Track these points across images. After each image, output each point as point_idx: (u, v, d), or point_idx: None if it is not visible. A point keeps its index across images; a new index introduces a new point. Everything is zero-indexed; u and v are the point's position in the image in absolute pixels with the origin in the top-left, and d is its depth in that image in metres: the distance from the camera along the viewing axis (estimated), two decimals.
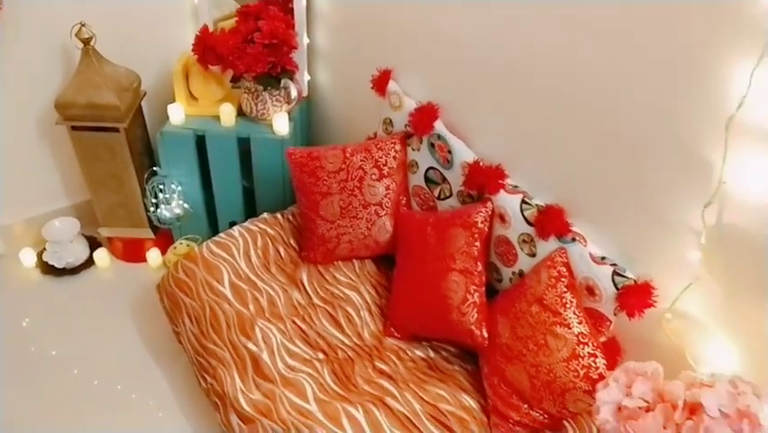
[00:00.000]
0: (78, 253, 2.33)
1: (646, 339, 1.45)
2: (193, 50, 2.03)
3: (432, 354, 1.76)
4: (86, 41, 1.94)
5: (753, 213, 1.14)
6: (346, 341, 1.78)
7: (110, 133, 2.07)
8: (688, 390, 1.17)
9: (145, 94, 2.20)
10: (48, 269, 2.31)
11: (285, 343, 1.72)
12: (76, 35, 1.92)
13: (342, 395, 1.60)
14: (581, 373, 1.37)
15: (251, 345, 1.68)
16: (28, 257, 2.32)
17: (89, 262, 2.37)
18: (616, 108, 1.32)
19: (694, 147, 1.18)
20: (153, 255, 2.37)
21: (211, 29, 2.14)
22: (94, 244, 2.40)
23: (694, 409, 1.15)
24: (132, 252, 2.40)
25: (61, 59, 2.09)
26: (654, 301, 1.36)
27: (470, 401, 1.60)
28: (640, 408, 1.20)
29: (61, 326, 2.14)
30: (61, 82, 2.10)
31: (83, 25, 1.91)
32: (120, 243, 2.39)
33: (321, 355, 1.72)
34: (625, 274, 1.39)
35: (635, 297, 1.37)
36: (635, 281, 1.38)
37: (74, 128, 2.05)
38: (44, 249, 2.32)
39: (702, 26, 1.10)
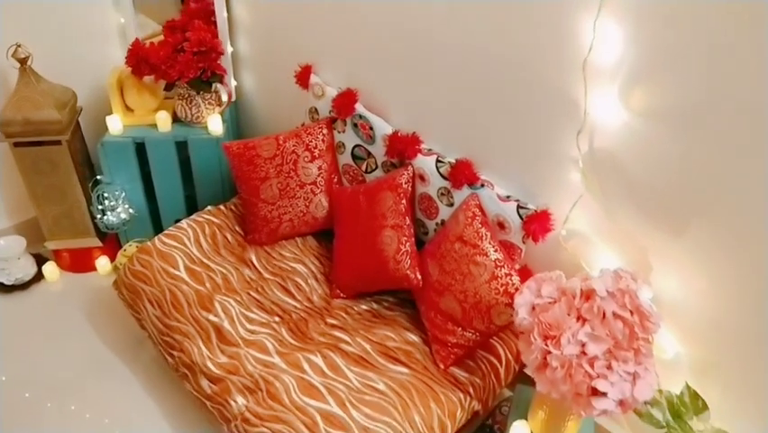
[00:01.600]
0: (27, 268, 2.42)
1: (551, 260, 1.74)
2: (127, 63, 2.19)
3: (375, 306, 2.00)
4: (22, 61, 2.07)
5: (613, 135, 1.46)
6: (298, 305, 1.98)
7: (52, 147, 2.19)
8: (583, 283, 1.47)
9: (81, 109, 2.33)
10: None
11: (243, 312, 1.90)
12: (12, 56, 2.05)
13: (301, 347, 1.81)
14: (501, 290, 1.64)
15: (212, 317, 1.86)
16: None
17: (38, 276, 2.45)
18: (497, 69, 1.62)
19: (562, 88, 1.49)
20: (102, 262, 2.48)
21: None
22: (40, 260, 2.49)
23: (589, 295, 1.44)
24: (79, 262, 2.50)
25: None
26: (552, 225, 1.66)
27: (413, 337, 1.84)
28: (549, 303, 1.48)
29: (14, 345, 2.20)
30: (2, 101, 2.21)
31: (19, 46, 2.05)
32: (67, 254, 2.49)
33: (277, 319, 1.91)
34: (527, 206, 1.68)
35: (537, 223, 1.66)
36: (535, 211, 1.67)
37: (16, 144, 2.16)
38: None
39: None
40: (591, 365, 1.39)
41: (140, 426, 1.98)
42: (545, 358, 1.44)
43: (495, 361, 1.80)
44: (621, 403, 1.42)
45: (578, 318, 1.43)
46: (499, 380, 1.81)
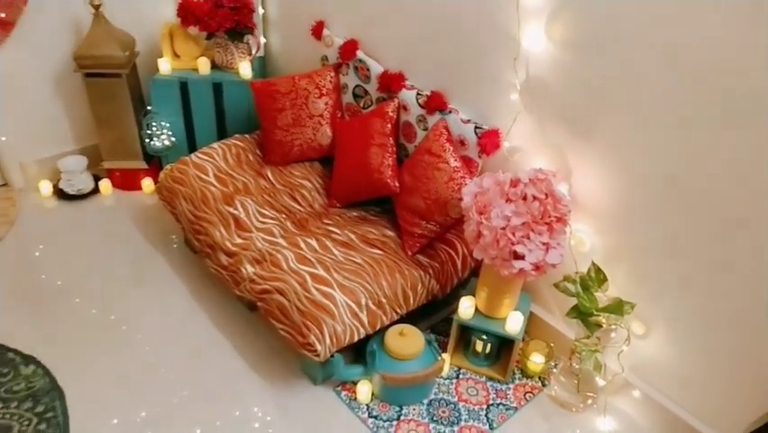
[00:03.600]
0: (87, 182, 2.95)
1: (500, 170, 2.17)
2: (177, 14, 2.71)
3: (363, 212, 2.45)
4: (96, 7, 2.60)
5: (541, 62, 1.89)
6: (301, 209, 2.46)
7: (114, 79, 2.72)
8: (513, 175, 1.90)
9: (138, 53, 2.86)
10: (62, 195, 2.91)
11: (257, 208, 2.38)
12: (89, 2, 2.59)
13: (300, 234, 2.27)
14: (456, 188, 2.08)
15: (232, 210, 2.34)
16: (45, 187, 2.92)
17: (94, 191, 2.98)
18: (458, 18, 2.07)
19: (503, 27, 1.93)
20: (146, 183, 3.00)
21: None
22: (97, 178, 3.01)
23: (515, 183, 1.87)
24: (128, 181, 3.02)
25: (73, 23, 2.75)
26: (501, 140, 2.10)
27: (389, 232, 2.30)
28: (486, 190, 1.92)
29: (71, 249, 2.65)
30: (74, 42, 2.75)
31: None
32: (119, 174, 3.01)
33: (283, 216, 2.39)
34: (481, 126, 2.13)
35: (488, 139, 2.10)
36: (487, 130, 2.11)
37: (87, 75, 2.69)
38: (59, 180, 2.93)
39: None
40: (513, 234, 1.83)
41: (170, 303, 2.46)
42: (479, 229, 1.88)
43: (453, 253, 2.24)
44: (536, 267, 1.85)
45: (506, 200, 1.87)
46: (456, 268, 2.24)
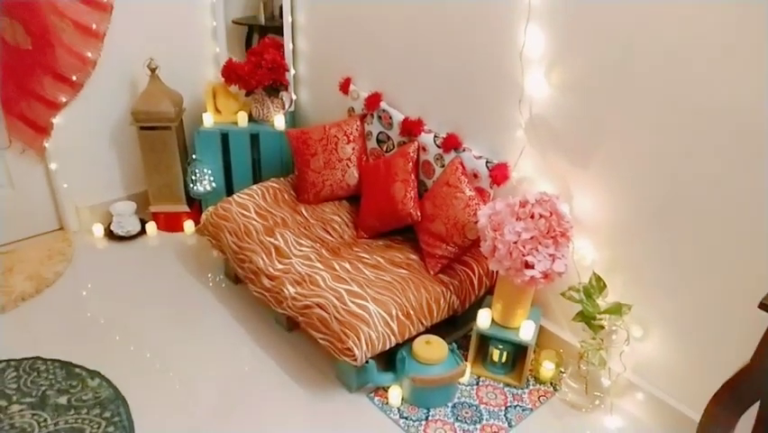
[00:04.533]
0: (135, 224, 3.27)
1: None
2: (222, 73, 3.11)
3: (388, 241, 2.76)
4: (153, 70, 3.00)
5: (542, 103, 2.25)
6: (334, 239, 2.76)
7: (164, 131, 3.09)
8: (522, 198, 2.22)
9: (185, 109, 3.25)
10: (113, 236, 3.23)
11: (295, 239, 2.69)
12: (147, 66, 2.99)
13: (334, 258, 2.57)
14: (472, 213, 2.40)
15: (273, 240, 2.65)
16: (98, 229, 3.24)
17: (141, 232, 3.30)
18: (469, 67, 2.45)
19: (509, 74, 2.30)
20: (188, 224, 3.32)
21: None
22: (143, 222, 3.34)
23: (524, 204, 2.19)
24: (171, 223, 3.34)
25: (131, 83, 3.15)
26: (509, 172, 2.43)
27: (413, 256, 2.60)
28: (499, 212, 2.24)
29: (122, 283, 2.92)
30: (130, 99, 3.13)
31: (152, 59, 2.99)
32: (163, 216, 3.33)
33: (318, 245, 2.69)
34: (491, 161, 2.46)
35: (498, 171, 2.43)
36: (497, 163, 2.45)
37: (141, 128, 3.06)
38: (110, 223, 3.25)
39: (498, 6, 2.25)
40: (524, 247, 2.13)
41: (212, 330, 2.73)
42: (495, 244, 2.18)
43: (470, 272, 2.53)
44: (545, 276, 2.14)
45: (516, 219, 2.18)
46: (473, 286, 2.53)
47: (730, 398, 1.47)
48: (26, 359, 2.46)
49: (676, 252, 2.04)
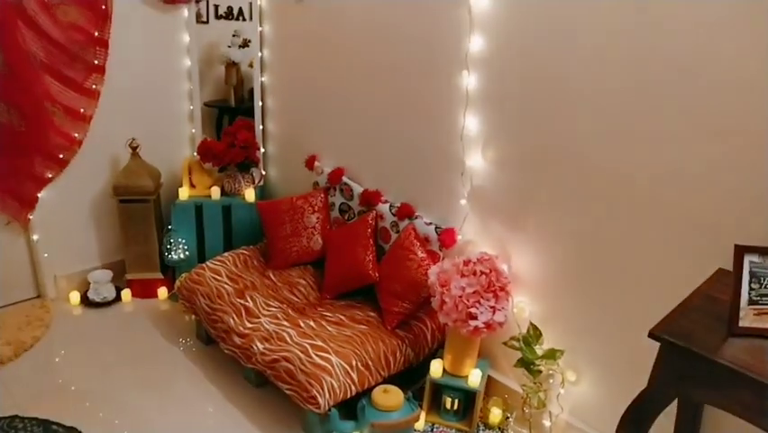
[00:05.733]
0: (111, 291, 3.46)
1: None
2: (197, 152, 3.42)
3: (350, 301, 3.01)
4: (134, 148, 3.30)
5: (481, 175, 2.60)
6: (299, 300, 3.01)
7: (143, 204, 3.35)
8: (465, 258, 2.53)
9: (163, 183, 3.53)
10: (89, 303, 3.41)
11: (264, 300, 2.93)
12: (129, 145, 3.28)
13: (300, 317, 2.81)
14: (424, 272, 2.68)
15: (243, 302, 2.89)
16: (75, 297, 3.42)
17: (117, 299, 3.48)
18: (419, 149, 2.81)
19: (453, 153, 2.66)
20: (162, 291, 3.53)
21: None
22: (119, 288, 3.53)
23: (467, 263, 2.50)
24: (146, 290, 3.53)
25: (112, 159, 3.43)
26: (456, 237, 2.75)
27: (372, 313, 2.86)
28: (446, 270, 2.53)
29: (97, 348, 3.10)
30: (110, 173, 3.40)
31: (134, 139, 3.29)
32: (138, 284, 3.53)
33: (285, 305, 2.93)
34: (440, 227, 2.78)
35: (446, 236, 2.75)
36: (444, 229, 2.76)
37: (121, 201, 3.32)
38: (87, 290, 3.44)
39: (442, 97, 2.63)
40: (468, 300, 2.42)
41: (184, 388, 2.90)
42: (443, 298, 2.47)
43: (424, 327, 2.80)
44: (487, 326, 2.42)
45: (461, 276, 2.47)
46: (426, 340, 2.79)
47: (635, 416, 1.74)
48: (3, 418, 2.59)
49: (599, 302, 2.35)
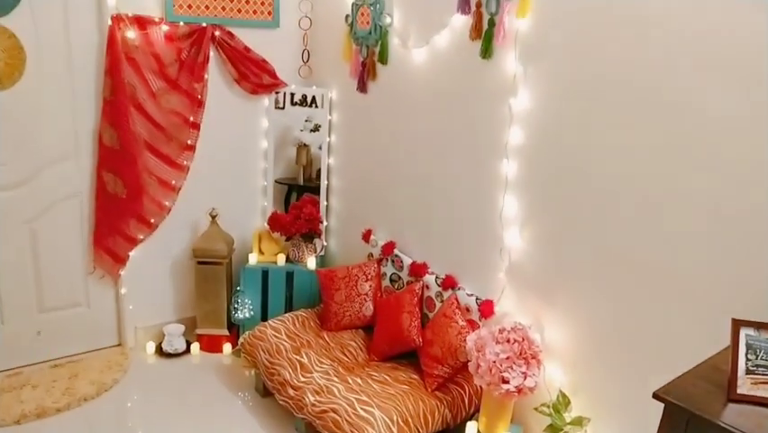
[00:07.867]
0: (181, 344, 3.84)
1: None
2: (268, 223, 3.85)
3: (395, 363, 3.27)
4: (213, 216, 3.76)
5: (518, 252, 2.87)
6: (349, 360, 3.29)
7: (216, 266, 3.77)
8: (501, 327, 2.77)
9: (235, 249, 3.96)
10: (162, 353, 3.79)
11: (317, 357, 3.22)
12: (209, 213, 3.75)
13: (348, 375, 3.08)
14: (463, 339, 2.93)
15: (299, 358, 3.19)
16: (150, 347, 3.82)
17: (186, 351, 3.85)
18: (461, 227, 3.12)
19: (492, 231, 2.96)
20: (227, 346, 3.88)
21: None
22: (187, 342, 3.91)
23: (502, 331, 2.74)
24: (213, 344, 3.90)
25: (192, 225, 3.89)
26: (494, 308, 3.00)
27: (414, 375, 3.10)
28: (482, 337, 2.77)
29: (167, 394, 3.48)
30: (190, 238, 3.86)
31: (214, 209, 3.76)
32: (206, 339, 3.90)
33: (335, 364, 3.22)
34: (480, 298, 3.04)
35: (485, 307, 3.00)
36: (484, 300, 3.02)
37: (198, 262, 3.75)
38: (161, 342, 3.83)
39: (484, 180, 2.96)
40: (501, 365, 2.64)
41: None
42: (478, 362, 2.70)
43: (461, 391, 3.01)
44: (518, 390, 2.62)
45: (496, 342, 2.71)
46: (464, 403, 2.99)
47: None
48: None
49: (625, 376, 2.52)
